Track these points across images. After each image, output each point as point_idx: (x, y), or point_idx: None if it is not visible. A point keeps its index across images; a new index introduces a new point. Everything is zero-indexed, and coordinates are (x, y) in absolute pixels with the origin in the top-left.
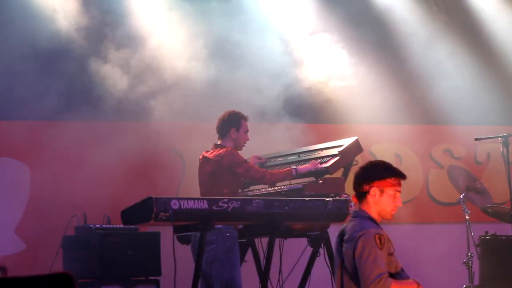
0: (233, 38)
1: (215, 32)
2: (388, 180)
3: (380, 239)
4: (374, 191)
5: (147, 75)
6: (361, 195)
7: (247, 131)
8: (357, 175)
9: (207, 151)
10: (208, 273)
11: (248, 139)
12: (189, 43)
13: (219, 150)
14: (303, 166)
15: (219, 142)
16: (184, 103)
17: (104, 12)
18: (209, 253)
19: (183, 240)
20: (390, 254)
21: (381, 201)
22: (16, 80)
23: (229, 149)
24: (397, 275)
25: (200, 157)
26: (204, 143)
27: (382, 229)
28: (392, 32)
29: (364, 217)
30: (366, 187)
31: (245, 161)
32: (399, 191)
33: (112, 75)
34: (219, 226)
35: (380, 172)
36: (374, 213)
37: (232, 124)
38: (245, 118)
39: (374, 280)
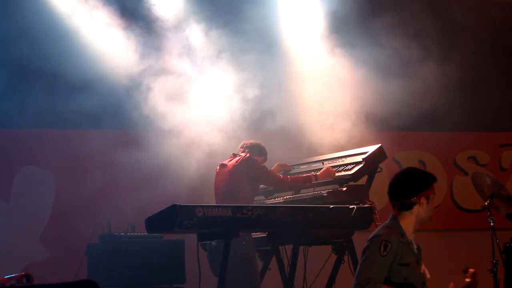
0: None
1: None
2: (431, 186)
3: (385, 246)
4: (422, 200)
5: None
6: (408, 206)
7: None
8: (400, 187)
9: (224, 161)
10: (228, 281)
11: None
12: None
13: (238, 157)
14: (322, 172)
15: (238, 152)
16: None
17: None
18: (230, 262)
19: (206, 248)
20: (403, 264)
21: (426, 208)
22: (38, 90)
23: (249, 155)
24: (404, 286)
25: (217, 168)
26: (226, 152)
27: (405, 237)
28: (412, 41)
29: (390, 223)
30: (414, 198)
31: (264, 166)
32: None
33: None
34: (240, 234)
35: (424, 180)
36: (412, 222)
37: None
38: (266, 155)
39: (360, 283)
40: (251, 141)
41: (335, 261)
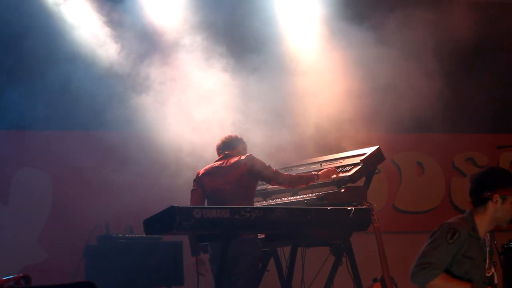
0: None
1: None
2: (511, 188)
3: (453, 233)
4: (496, 198)
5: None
6: (481, 201)
7: None
8: (478, 181)
9: (215, 163)
10: (235, 283)
11: None
12: None
13: (237, 158)
14: (324, 171)
15: (227, 152)
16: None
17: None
18: (243, 264)
19: (206, 249)
20: (468, 257)
21: (502, 208)
22: (37, 91)
23: (250, 154)
24: (463, 279)
25: (203, 170)
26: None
27: (476, 232)
28: (409, 43)
29: (465, 216)
30: (488, 194)
31: (270, 165)
32: None
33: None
34: (252, 236)
35: (504, 179)
36: (486, 220)
37: (240, 142)
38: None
39: (420, 264)
40: (228, 137)
41: (333, 263)
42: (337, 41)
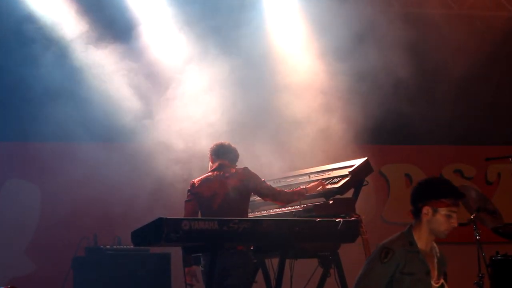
0: None
1: None
2: (443, 200)
3: (386, 253)
4: (427, 210)
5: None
6: (415, 212)
7: None
8: (413, 192)
9: (208, 175)
10: None
11: None
12: None
13: (233, 170)
14: (312, 185)
15: (221, 162)
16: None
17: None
18: (234, 277)
19: (198, 261)
20: (407, 274)
21: (434, 220)
22: (26, 103)
23: (245, 168)
24: None
25: (197, 180)
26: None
27: (415, 246)
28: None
29: (403, 232)
30: (419, 205)
31: (264, 180)
32: (455, 212)
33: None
34: (244, 249)
35: (435, 191)
36: (424, 232)
37: (233, 151)
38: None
39: None
40: (221, 143)
41: (321, 275)
42: (325, 50)
